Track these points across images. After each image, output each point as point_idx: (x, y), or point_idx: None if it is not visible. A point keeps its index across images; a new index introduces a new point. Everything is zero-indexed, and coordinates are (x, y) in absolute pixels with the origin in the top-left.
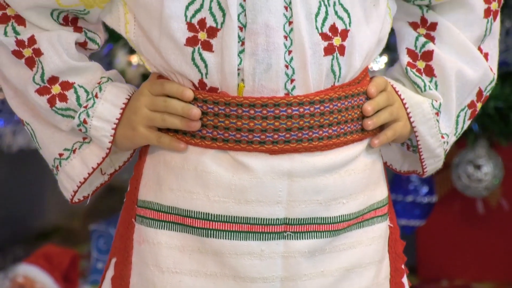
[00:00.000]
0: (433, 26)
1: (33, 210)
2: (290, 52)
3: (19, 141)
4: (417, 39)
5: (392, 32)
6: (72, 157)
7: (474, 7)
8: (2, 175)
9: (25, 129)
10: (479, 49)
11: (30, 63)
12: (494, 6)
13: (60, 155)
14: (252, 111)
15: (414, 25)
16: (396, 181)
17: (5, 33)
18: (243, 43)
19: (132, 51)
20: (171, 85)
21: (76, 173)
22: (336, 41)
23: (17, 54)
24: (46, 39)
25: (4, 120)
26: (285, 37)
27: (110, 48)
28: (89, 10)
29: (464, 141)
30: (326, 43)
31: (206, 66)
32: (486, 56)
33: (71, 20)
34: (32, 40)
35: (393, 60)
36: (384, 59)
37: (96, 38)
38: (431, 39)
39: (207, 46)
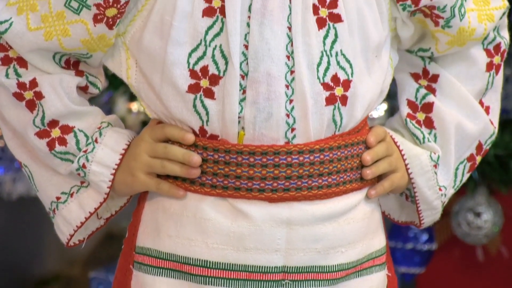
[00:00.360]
0: (435, 78)
1: (32, 258)
2: (291, 101)
3: (19, 188)
4: (417, 90)
5: (392, 80)
6: (69, 200)
7: (476, 60)
8: (1, 222)
9: (25, 176)
10: (481, 102)
11: (31, 105)
12: (497, 60)
13: (58, 198)
14: (252, 159)
15: (415, 76)
16: (396, 228)
17: (7, 75)
18: (244, 91)
19: (132, 98)
20: (172, 128)
21: (73, 217)
22: (338, 91)
23: (18, 96)
24: (48, 82)
25: (4, 168)
26: (287, 86)
27: (110, 95)
28: (92, 54)
29: (464, 189)
30: (328, 93)
31: (207, 113)
32: (487, 109)
33: (73, 63)
34: (33, 83)
35: (393, 107)
36: (384, 106)
37: (97, 82)
38: (432, 91)
39: (209, 94)
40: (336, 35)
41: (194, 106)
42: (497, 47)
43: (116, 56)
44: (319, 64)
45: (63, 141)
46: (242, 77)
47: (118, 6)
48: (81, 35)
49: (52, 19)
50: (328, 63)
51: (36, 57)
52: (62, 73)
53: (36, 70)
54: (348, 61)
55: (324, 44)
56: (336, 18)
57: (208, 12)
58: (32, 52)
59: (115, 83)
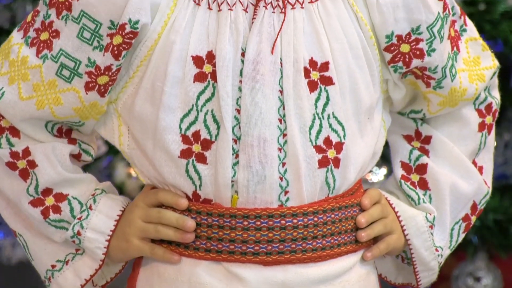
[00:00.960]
0: (428, 140)
1: None
2: (284, 164)
3: (18, 253)
4: (411, 152)
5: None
6: (64, 268)
7: (468, 121)
8: (1, 287)
9: None
10: (474, 162)
11: (24, 174)
12: (489, 120)
13: (53, 266)
14: (246, 222)
15: (408, 138)
16: None
17: (0, 145)
18: (237, 155)
19: None
20: (166, 193)
21: (69, 285)
22: (331, 153)
23: (11, 165)
24: (40, 151)
25: (4, 233)
26: (279, 150)
27: (109, 160)
28: (84, 121)
29: (463, 253)
30: (320, 156)
31: (200, 178)
32: (480, 169)
33: (65, 131)
34: (26, 151)
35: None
36: (384, 171)
37: (90, 150)
38: (425, 152)
39: (201, 159)
40: (327, 98)
41: (187, 171)
42: (489, 107)
43: (108, 123)
44: (311, 127)
45: (57, 209)
46: (235, 141)
47: (110, 73)
48: (73, 103)
49: (44, 87)
50: (320, 125)
51: (28, 126)
52: (55, 141)
53: (29, 139)
54: (340, 123)
55: (316, 106)
56: (328, 81)
57: (200, 77)
58: (24, 121)
59: (114, 148)
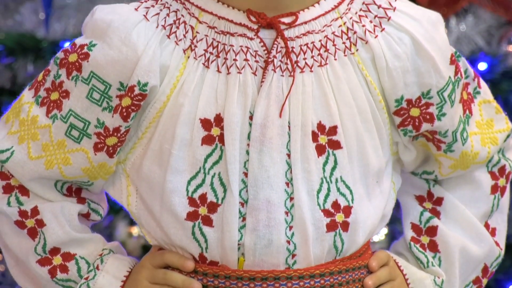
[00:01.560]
0: (439, 201)
1: None
2: (291, 227)
3: None
4: (422, 214)
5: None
6: None
7: (480, 183)
8: None
9: None
10: (486, 224)
11: (33, 233)
12: (502, 182)
13: None
14: (252, 285)
15: (420, 199)
16: None
17: (9, 203)
18: (244, 219)
19: (132, 223)
20: (172, 255)
21: None
22: (339, 217)
23: (20, 224)
24: (49, 210)
25: None
26: (286, 213)
27: (110, 220)
28: (93, 181)
29: None
30: (328, 220)
31: (206, 240)
32: (493, 231)
33: (74, 190)
34: (35, 211)
35: (393, 232)
36: (385, 230)
37: (99, 209)
38: (437, 214)
39: (207, 221)
40: (335, 162)
41: (193, 233)
42: (502, 169)
43: (117, 183)
44: (319, 191)
45: (64, 269)
46: (242, 204)
47: (119, 135)
48: (82, 164)
49: (53, 147)
50: (328, 189)
51: (37, 185)
52: (64, 201)
53: (38, 198)
54: (348, 187)
55: (324, 170)
56: (336, 145)
57: (207, 140)
58: (33, 180)
59: (115, 207)
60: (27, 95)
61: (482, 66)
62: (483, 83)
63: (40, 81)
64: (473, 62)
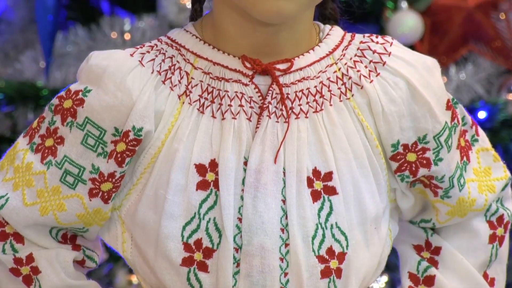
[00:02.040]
0: (437, 250)
1: None
2: (286, 274)
3: None
4: (419, 263)
5: (393, 253)
6: None
7: (478, 232)
8: None
9: None
10: (485, 274)
11: (28, 281)
12: (500, 231)
13: None
14: None
15: (418, 248)
16: None
17: (3, 251)
18: (238, 264)
19: (132, 271)
20: None
21: None
22: (333, 264)
23: (15, 272)
24: (44, 257)
25: None
26: (281, 259)
27: (110, 267)
28: (88, 228)
29: None
30: (323, 266)
31: (201, 286)
32: (492, 281)
33: (70, 237)
34: (30, 258)
35: (393, 280)
36: (385, 278)
37: (94, 256)
38: (435, 263)
39: (203, 267)
40: (331, 208)
41: (188, 279)
42: (500, 218)
43: (112, 230)
44: (314, 237)
45: None
46: (236, 250)
47: (113, 180)
48: (76, 210)
49: (48, 194)
50: (323, 235)
51: (32, 232)
52: (59, 248)
53: (33, 245)
54: (343, 233)
55: (319, 216)
56: (331, 191)
57: (202, 185)
58: (28, 227)
59: (114, 255)
60: (21, 142)
61: (482, 114)
62: (481, 131)
63: (35, 128)
64: (472, 110)
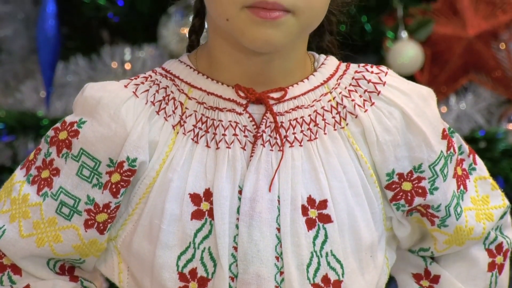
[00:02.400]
0: (436, 279)
1: None
2: None
3: None
4: None
5: (392, 280)
6: None
7: (477, 261)
8: None
9: None
10: None
11: None
12: (499, 260)
13: None
14: None
15: (417, 277)
16: None
17: (1, 282)
18: None
19: None
20: None
21: None
22: None
23: None
24: None
25: None
26: (276, 287)
27: None
28: (84, 259)
29: None
30: None
31: None
32: None
33: (67, 269)
34: None
35: None
36: None
37: (92, 287)
38: None
39: None
40: (326, 236)
41: None
42: (499, 246)
43: (108, 261)
44: (309, 265)
45: None
46: (232, 279)
47: (108, 211)
48: (72, 241)
49: (44, 225)
50: (318, 263)
51: (29, 263)
52: (56, 279)
53: (30, 276)
54: (338, 261)
55: (314, 244)
56: (326, 219)
57: (197, 215)
58: (25, 258)
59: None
60: (18, 174)
61: (482, 144)
62: (479, 160)
63: (31, 160)
64: (473, 140)
